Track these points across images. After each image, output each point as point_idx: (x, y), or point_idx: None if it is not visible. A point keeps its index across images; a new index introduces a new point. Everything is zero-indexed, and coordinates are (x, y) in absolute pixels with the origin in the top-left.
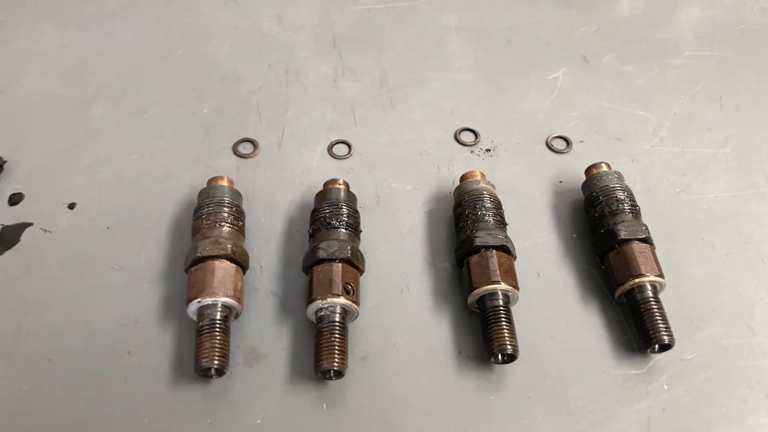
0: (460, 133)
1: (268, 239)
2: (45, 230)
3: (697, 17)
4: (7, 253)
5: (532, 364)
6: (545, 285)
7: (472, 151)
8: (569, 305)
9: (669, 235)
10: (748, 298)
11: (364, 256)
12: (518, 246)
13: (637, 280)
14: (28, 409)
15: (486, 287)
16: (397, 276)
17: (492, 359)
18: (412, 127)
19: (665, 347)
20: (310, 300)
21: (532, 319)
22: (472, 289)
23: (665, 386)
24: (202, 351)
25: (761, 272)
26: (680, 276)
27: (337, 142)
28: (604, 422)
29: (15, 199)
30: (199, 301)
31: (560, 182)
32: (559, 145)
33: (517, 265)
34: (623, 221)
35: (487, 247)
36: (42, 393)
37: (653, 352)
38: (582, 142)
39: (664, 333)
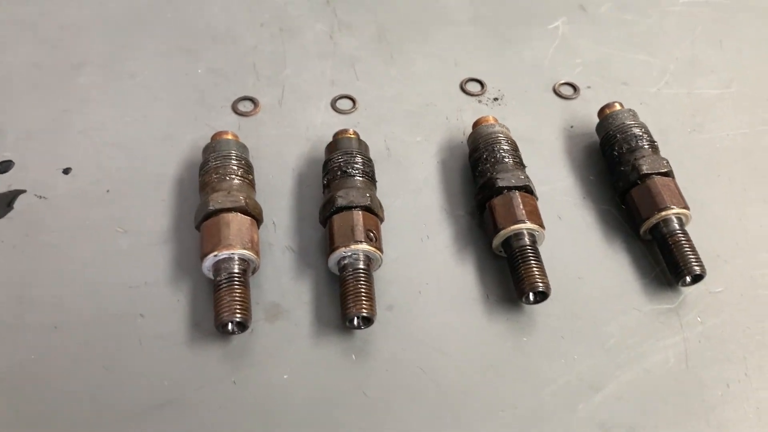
0: (466, 83)
1: (278, 196)
2: (40, 197)
3: None
4: (1, 222)
5: (562, 305)
6: (568, 227)
7: (479, 101)
8: (594, 246)
9: (685, 173)
10: None
11: None
12: (537, 190)
13: (663, 214)
14: (39, 377)
15: (512, 227)
16: (416, 226)
17: (523, 299)
18: (417, 80)
19: (697, 278)
20: (332, 249)
21: (558, 261)
22: (497, 230)
23: (698, 319)
24: (222, 305)
25: None
26: (701, 212)
27: (341, 97)
28: (643, 356)
29: (4, 167)
30: (215, 255)
31: (572, 127)
32: (567, 91)
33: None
34: (643, 156)
35: (510, 188)
36: (51, 361)
37: (684, 284)
38: (589, 87)
39: (695, 264)
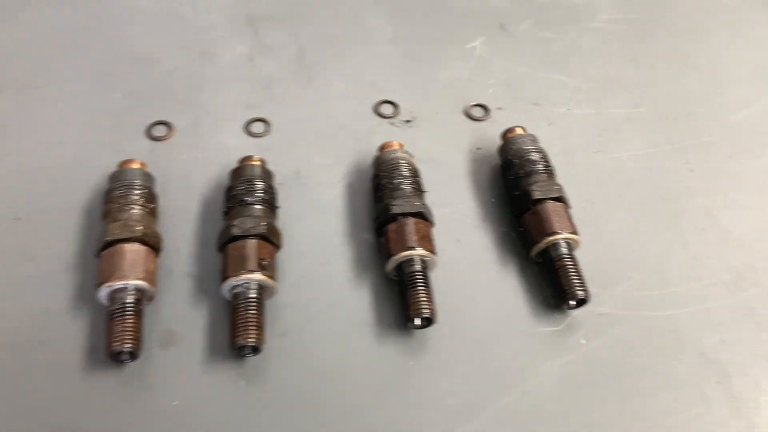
0: (379, 105)
1: (184, 222)
2: None
3: None
4: None
5: (452, 328)
6: (465, 250)
7: (392, 123)
8: (489, 268)
9: (586, 194)
10: (663, 252)
11: (284, 233)
12: (438, 213)
13: (551, 238)
14: None
15: (403, 253)
16: (317, 251)
17: (410, 324)
18: (332, 103)
19: (581, 302)
20: (224, 278)
21: (452, 284)
22: (389, 256)
23: (582, 341)
24: (114, 335)
25: (676, 225)
26: (598, 234)
27: (254, 120)
28: (524, 379)
29: None
30: (109, 285)
31: (478, 149)
32: (477, 113)
33: (437, 231)
34: (537, 182)
35: (404, 215)
36: None
37: (569, 308)
38: (500, 109)
39: (578, 288)
